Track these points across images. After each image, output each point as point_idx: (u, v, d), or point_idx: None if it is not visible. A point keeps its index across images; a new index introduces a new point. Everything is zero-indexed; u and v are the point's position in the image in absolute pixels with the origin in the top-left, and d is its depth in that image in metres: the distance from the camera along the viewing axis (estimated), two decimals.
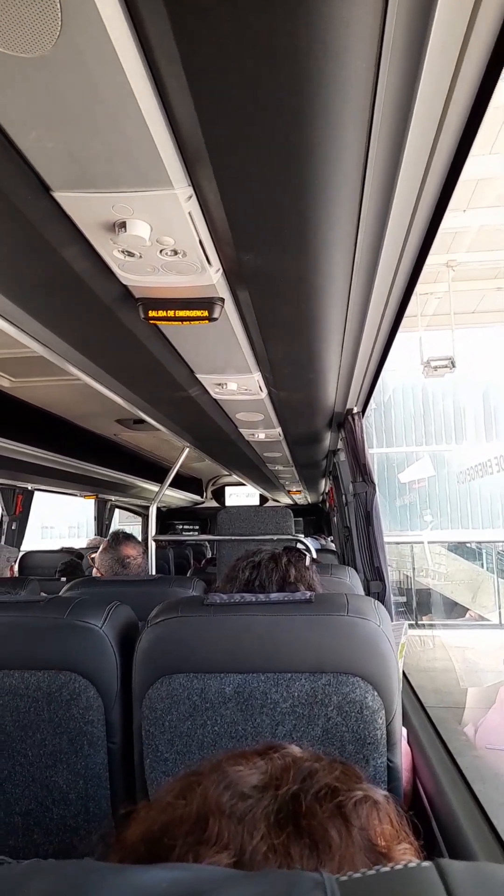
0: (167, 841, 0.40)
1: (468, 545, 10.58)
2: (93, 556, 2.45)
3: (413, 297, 1.33)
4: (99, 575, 2.21)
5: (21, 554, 4.27)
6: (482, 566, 10.13)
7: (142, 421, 2.28)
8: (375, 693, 1.05)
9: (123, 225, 0.79)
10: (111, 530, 5.48)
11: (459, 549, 10.57)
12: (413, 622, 8.37)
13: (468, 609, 9.05)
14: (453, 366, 7.37)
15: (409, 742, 1.40)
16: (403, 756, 1.18)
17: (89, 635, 1.14)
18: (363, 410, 2.17)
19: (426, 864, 0.32)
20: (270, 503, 6.51)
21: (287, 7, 0.49)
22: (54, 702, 1.12)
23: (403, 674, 1.86)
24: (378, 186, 0.81)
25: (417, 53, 0.60)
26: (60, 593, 1.91)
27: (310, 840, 0.39)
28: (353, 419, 2.11)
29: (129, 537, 2.30)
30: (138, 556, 2.22)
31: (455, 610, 9.19)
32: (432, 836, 1.12)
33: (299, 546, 2.69)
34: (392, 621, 2.08)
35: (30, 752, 1.12)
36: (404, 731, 1.40)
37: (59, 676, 1.12)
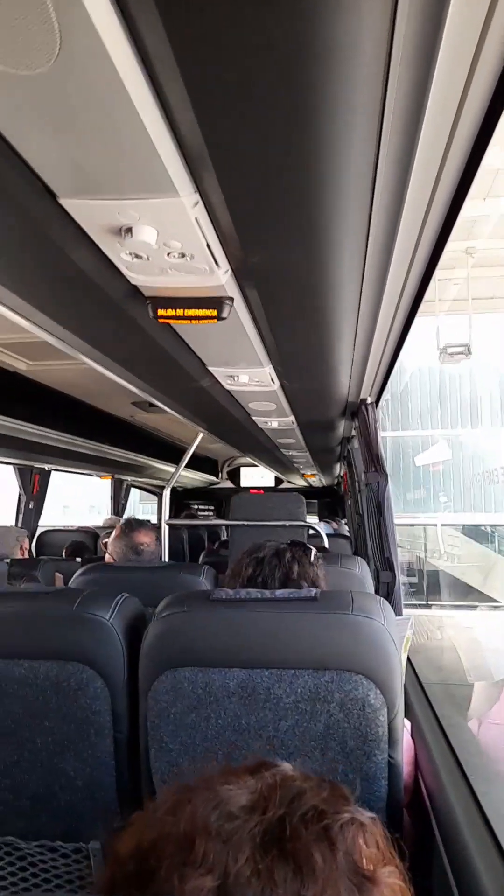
0: (153, 861, 0.40)
1: (482, 528, 10.54)
2: (105, 541, 2.45)
3: (430, 284, 1.30)
4: (111, 561, 2.23)
5: (39, 532, 4.33)
6: (495, 549, 10.12)
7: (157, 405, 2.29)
8: (378, 691, 1.06)
9: (130, 230, 0.79)
10: (125, 515, 5.54)
11: (473, 532, 10.52)
12: (425, 602, 8.40)
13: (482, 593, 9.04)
14: (469, 352, 7.35)
15: (412, 735, 1.41)
16: (405, 750, 1.19)
17: (97, 627, 1.16)
18: (377, 401, 2.15)
19: None
20: (286, 485, 6.51)
21: (288, 11, 0.48)
22: (62, 691, 1.14)
23: (410, 665, 1.87)
24: (389, 183, 0.80)
25: (428, 55, 0.58)
26: (73, 578, 1.94)
27: (294, 863, 0.39)
28: (367, 409, 2.10)
29: (142, 524, 2.31)
30: (151, 543, 2.23)
31: (467, 591, 9.17)
32: (430, 829, 1.14)
33: (311, 532, 2.70)
34: (402, 613, 2.09)
35: (38, 740, 1.15)
36: (407, 723, 1.41)
37: (67, 667, 1.15)
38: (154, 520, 4.82)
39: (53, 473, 4.46)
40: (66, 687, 1.14)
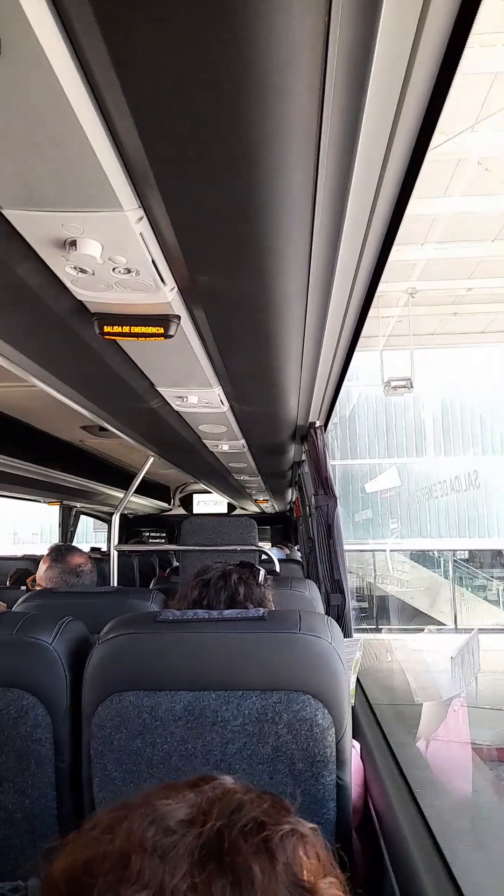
0: (87, 880, 0.39)
1: (429, 553, 10.80)
2: (31, 578, 2.35)
3: (374, 319, 1.35)
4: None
5: None
6: (441, 574, 10.50)
7: (107, 428, 2.26)
8: (325, 711, 1.05)
9: (74, 243, 0.79)
10: (74, 542, 5.41)
11: (420, 557, 10.94)
12: (375, 626, 8.56)
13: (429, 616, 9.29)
14: (411, 386, 7.86)
15: (360, 756, 1.41)
16: (354, 771, 1.19)
17: (39, 652, 1.13)
18: (325, 424, 2.19)
19: None
20: (238, 511, 6.50)
21: (224, 32, 0.49)
22: (1, 720, 1.10)
23: (360, 687, 1.88)
24: (328, 211, 0.82)
25: (360, 85, 0.61)
26: (15, 605, 1.87)
27: (232, 877, 0.38)
28: (316, 433, 2.13)
29: (71, 548, 2.25)
30: (86, 562, 2.17)
31: (414, 615, 9.39)
32: (380, 851, 1.13)
33: (264, 557, 2.69)
34: (352, 635, 2.09)
35: None
36: (356, 745, 1.41)
37: (6, 694, 1.11)
38: (105, 547, 4.72)
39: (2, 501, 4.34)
40: (5, 715, 1.10)
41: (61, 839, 0.45)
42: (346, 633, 1.88)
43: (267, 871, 0.40)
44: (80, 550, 2.24)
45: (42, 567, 2.17)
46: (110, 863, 0.39)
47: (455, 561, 10.66)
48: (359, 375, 9.94)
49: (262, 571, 1.32)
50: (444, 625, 9.09)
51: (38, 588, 2.14)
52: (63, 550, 2.20)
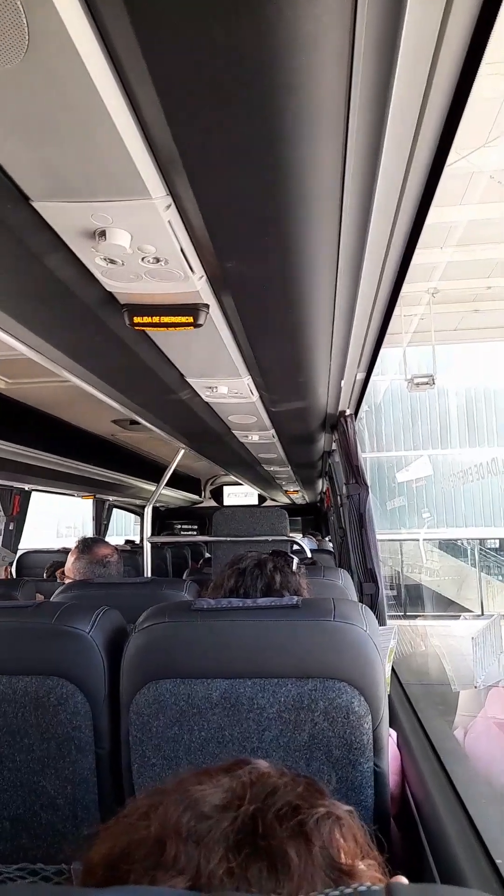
0: (124, 866, 0.39)
1: (457, 543, 11.10)
2: (60, 570, 2.39)
3: (397, 318, 1.34)
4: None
5: (19, 554, 4.27)
6: (469, 563, 10.68)
7: (138, 422, 2.28)
8: (362, 698, 1.05)
9: (104, 233, 0.79)
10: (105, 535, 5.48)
11: (448, 547, 11.17)
12: (403, 613, 8.68)
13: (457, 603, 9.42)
14: (433, 382, 8.10)
15: (398, 745, 1.40)
16: (391, 759, 1.18)
17: (77, 641, 1.15)
18: (356, 412, 2.17)
19: (377, 887, 0.32)
20: (269, 503, 6.51)
21: (251, 20, 0.49)
22: (41, 707, 1.12)
23: (395, 675, 1.86)
24: (357, 193, 0.81)
25: (388, 63, 0.60)
26: (53, 596, 1.91)
27: (268, 861, 0.38)
28: (346, 421, 2.11)
29: (97, 540, 2.29)
30: (114, 553, 2.20)
31: (441, 603, 9.50)
32: (419, 839, 1.12)
33: (296, 547, 2.69)
34: (386, 623, 2.08)
35: (17, 758, 1.12)
36: (393, 733, 1.40)
37: (46, 682, 1.12)
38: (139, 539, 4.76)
39: (47, 495, 4.41)
40: (45, 702, 1.12)
41: (102, 824, 0.45)
42: (380, 622, 1.87)
43: (303, 854, 0.39)
44: (106, 542, 2.28)
45: (70, 559, 2.22)
46: (146, 849, 0.40)
47: (482, 550, 10.76)
48: (384, 370, 10.02)
49: (296, 560, 1.32)
50: (471, 611, 9.14)
51: (67, 580, 2.17)
52: (90, 542, 2.25)
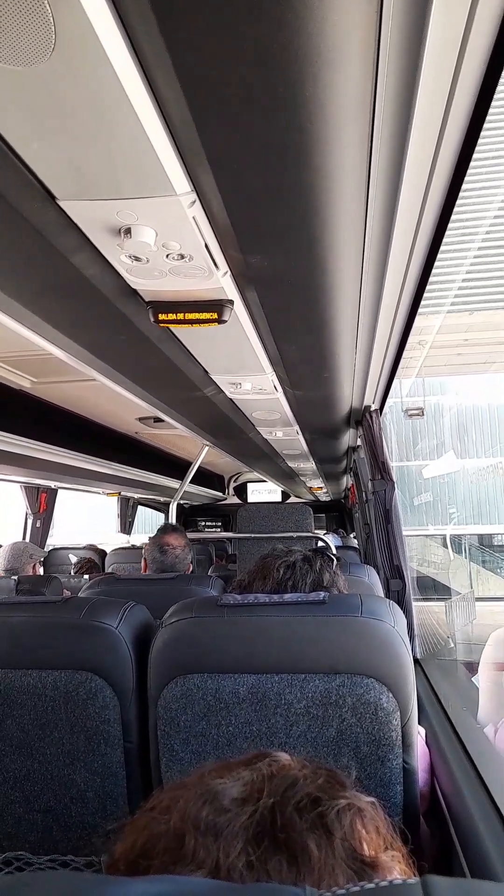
0: (143, 861, 0.39)
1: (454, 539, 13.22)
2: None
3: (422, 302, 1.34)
4: (143, 566, 2.27)
5: (47, 550, 4.33)
6: (462, 556, 12.86)
7: (162, 419, 2.30)
8: (390, 694, 1.04)
9: (129, 231, 0.80)
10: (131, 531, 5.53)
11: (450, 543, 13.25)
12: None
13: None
14: (423, 413, 11.36)
15: (426, 742, 1.39)
16: (420, 757, 1.17)
17: (105, 635, 1.16)
18: (381, 408, 2.15)
19: (412, 880, 0.31)
20: (293, 499, 6.50)
21: (276, 15, 0.48)
22: (71, 701, 1.13)
23: (423, 671, 1.85)
24: (383, 187, 0.81)
25: (415, 57, 0.60)
26: (80, 592, 1.93)
27: (288, 853, 0.38)
28: (371, 417, 2.10)
29: (175, 528, 2.34)
30: (179, 546, 2.24)
31: (439, 589, 11.36)
32: (449, 837, 1.11)
33: (319, 543, 2.68)
34: (413, 620, 2.07)
35: (48, 751, 1.14)
36: (422, 730, 1.39)
37: (75, 676, 1.14)
38: None
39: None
40: (75, 696, 1.13)
41: (130, 818, 0.45)
42: (408, 618, 1.86)
43: (323, 846, 0.39)
44: (179, 532, 2.33)
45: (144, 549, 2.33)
46: (165, 843, 0.40)
47: (472, 545, 13.00)
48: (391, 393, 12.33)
49: (337, 559, 1.32)
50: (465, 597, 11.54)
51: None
52: (165, 529, 2.34)
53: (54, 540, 4.65)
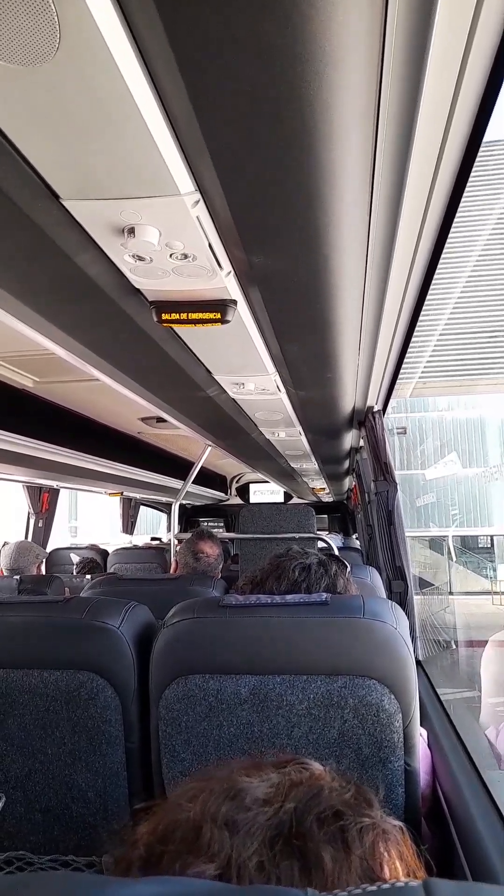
0: (160, 846, 0.40)
1: (437, 540, 15.35)
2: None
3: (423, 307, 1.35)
4: (173, 566, 2.30)
5: (49, 550, 4.33)
6: (443, 555, 14.94)
7: (165, 419, 2.30)
8: (392, 696, 1.04)
9: (132, 230, 0.80)
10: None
11: (433, 544, 15.39)
12: None
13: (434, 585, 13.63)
14: (406, 432, 13.24)
15: (428, 744, 1.38)
16: (422, 758, 1.17)
17: (107, 636, 1.16)
18: (384, 409, 2.15)
19: (414, 883, 0.31)
20: (295, 500, 6.49)
21: (281, 14, 0.48)
22: (73, 701, 1.13)
23: (424, 673, 1.84)
24: (387, 187, 0.80)
25: (420, 57, 0.59)
26: (82, 592, 1.93)
27: (302, 861, 0.38)
28: (374, 417, 2.10)
29: (209, 535, 2.36)
30: (212, 554, 2.27)
31: (423, 585, 12.96)
32: (451, 839, 1.11)
33: (321, 544, 2.68)
34: (415, 622, 2.06)
35: (49, 751, 1.14)
36: (424, 732, 1.38)
37: (77, 676, 1.14)
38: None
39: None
40: (77, 696, 1.13)
41: (133, 818, 0.45)
42: (410, 620, 1.85)
43: (339, 860, 0.38)
44: (213, 540, 2.36)
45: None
46: (183, 831, 0.40)
47: (454, 546, 15.07)
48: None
49: (349, 567, 1.32)
50: (443, 591, 13.80)
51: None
52: (201, 535, 2.39)
53: (77, 539, 4.66)
